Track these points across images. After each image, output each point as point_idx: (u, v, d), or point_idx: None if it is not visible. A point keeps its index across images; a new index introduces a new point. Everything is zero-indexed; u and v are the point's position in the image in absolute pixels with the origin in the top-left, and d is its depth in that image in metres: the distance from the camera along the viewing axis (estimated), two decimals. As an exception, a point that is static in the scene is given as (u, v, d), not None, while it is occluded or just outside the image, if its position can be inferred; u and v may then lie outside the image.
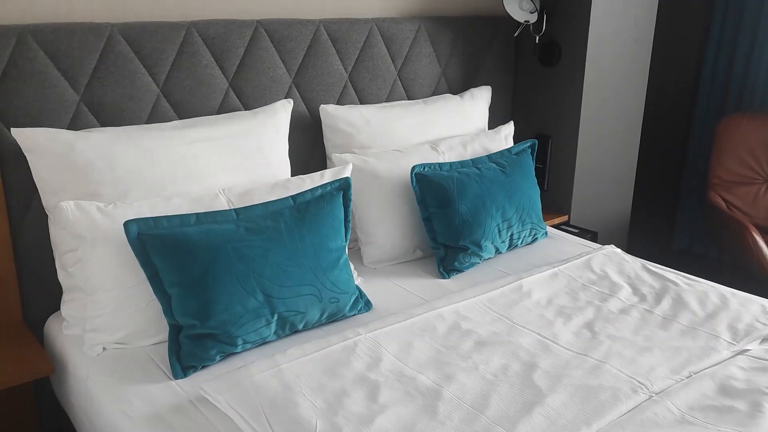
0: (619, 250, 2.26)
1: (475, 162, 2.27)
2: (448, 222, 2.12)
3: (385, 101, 2.51)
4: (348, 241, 1.90)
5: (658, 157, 3.67)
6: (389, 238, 2.18)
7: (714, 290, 1.95)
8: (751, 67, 3.38)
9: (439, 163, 2.20)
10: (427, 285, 2.06)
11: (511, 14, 2.62)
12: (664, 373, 1.51)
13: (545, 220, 2.60)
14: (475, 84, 2.74)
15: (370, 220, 2.17)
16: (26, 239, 1.84)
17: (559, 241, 2.43)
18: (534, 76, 2.86)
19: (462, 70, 2.73)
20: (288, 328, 1.69)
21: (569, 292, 1.94)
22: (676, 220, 3.76)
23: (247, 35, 2.13)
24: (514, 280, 1.98)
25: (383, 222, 2.17)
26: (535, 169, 2.82)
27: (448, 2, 2.70)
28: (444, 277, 2.10)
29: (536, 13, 2.62)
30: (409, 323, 1.71)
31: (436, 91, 2.67)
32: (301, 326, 1.72)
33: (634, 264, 2.14)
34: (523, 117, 2.90)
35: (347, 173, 1.99)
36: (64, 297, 1.80)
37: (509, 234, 2.24)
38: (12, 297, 1.84)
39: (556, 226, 2.70)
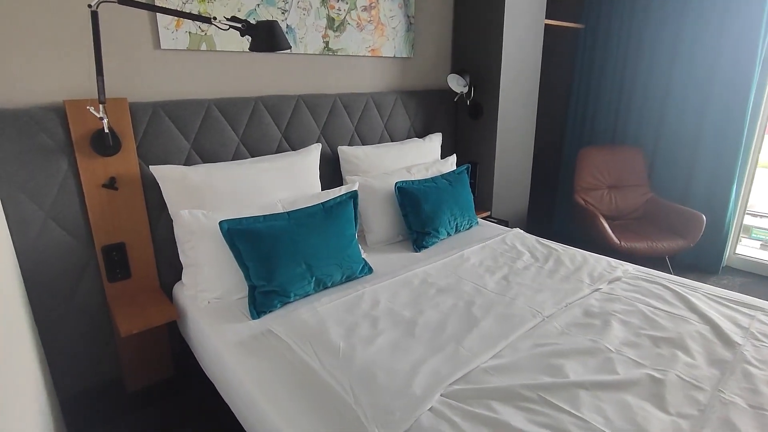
0: (522, 231, 2.24)
1: (433, 179, 2.24)
2: (417, 217, 2.10)
3: (378, 143, 2.48)
4: (357, 230, 1.87)
5: (544, 173, 3.67)
6: (382, 228, 2.14)
7: (579, 253, 1.94)
8: (595, 117, 3.40)
9: (411, 180, 2.17)
10: (406, 256, 2.02)
11: (452, 88, 2.60)
12: (551, 305, 1.51)
13: (477, 215, 2.59)
14: (431, 131, 2.71)
15: (370, 217, 2.14)
16: (160, 235, 1.81)
17: (485, 227, 2.41)
18: (467, 125, 2.83)
19: (423, 123, 2.70)
20: (321, 285, 1.66)
21: (492, 257, 1.92)
22: (554, 212, 3.76)
23: (292, 104, 2.10)
24: (459, 251, 1.96)
25: (378, 218, 2.14)
26: (470, 183, 2.82)
27: (414, 82, 2.67)
28: (416, 251, 2.07)
29: (467, 86, 2.60)
30: (396, 280, 1.70)
31: (408, 136, 2.63)
32: (329, 284, 1.69)
33: (531, 239, 2.12)
34: (462, 151, 2.87)
35: (355, 188, 1.96)
36: (184, 270, 1.77)
37: (455, 223, 2.22)
38: (152, 272, 1.81)
39: (483, 218, 2.68)
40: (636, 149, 3.15)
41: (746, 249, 3.17)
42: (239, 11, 1.91)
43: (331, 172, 2.28)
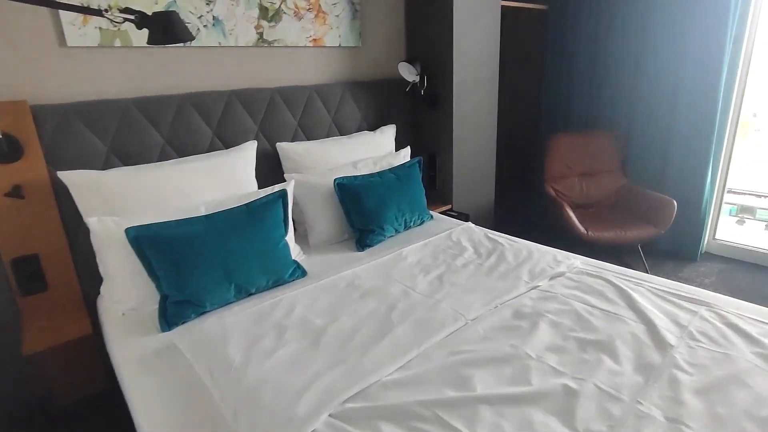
0: (472, 225, 2.10)
1: (379, 173, 2.12)
2: (360, 213, 1.98)
3: (325, 137, 2.35)
4: (288, 231, 1.76)
5: (520, 163, 3.53)
6: (324, 227, 2.03)
7: (526, 247, 1.81)
8: (569, 103, 3.25)
9: (353, 176, 2.05)
10: (348, 257, 1.89)
11: (404, 77, 2.48)
12: (479, 306, 1.39)
13: (436, 210, 2.47)
14: (384, 123, 2.58)
15: (311, 216, 2.03)
16: (81, 244, 1.70)
17: (440, 222, 2.27)
18: (424, 115, 2.69)
19: (375, 115, 2.56)
20: (243, 292, 1.56)
21: (433, 255, 1.79)
22: (531, 203, 3.60)
23: (224, 100, 1.98)
24: (398, 249, 1.84)
25: (320, 216, 2.02)
26: (429, 176, 2.70)
27: (364, 72, 2.54)
28: (359, 251, 1.94)
29: (419, 75, 2.47)
30: (320, 284, 1.59)
31: (358, 129, 2.50)
32: (253, 290, 1.58)
33: (480, 233, 2.00)
34: (420, 142, 2.74)
35: (288, 187, 1.83)
36: (103, 281, 1.66)
37: (403, 219, 2.09)
38: (72, 283, 1.71)
39: (443, 212, 2.55)
40: (608, 134, 3.01)
41: (726, 234, 3.03)
42: (156, 3, 1.80)
43: (272, 171, 2.16)
